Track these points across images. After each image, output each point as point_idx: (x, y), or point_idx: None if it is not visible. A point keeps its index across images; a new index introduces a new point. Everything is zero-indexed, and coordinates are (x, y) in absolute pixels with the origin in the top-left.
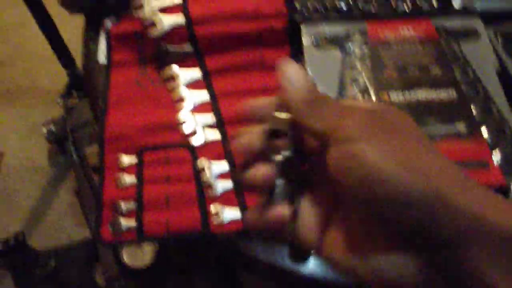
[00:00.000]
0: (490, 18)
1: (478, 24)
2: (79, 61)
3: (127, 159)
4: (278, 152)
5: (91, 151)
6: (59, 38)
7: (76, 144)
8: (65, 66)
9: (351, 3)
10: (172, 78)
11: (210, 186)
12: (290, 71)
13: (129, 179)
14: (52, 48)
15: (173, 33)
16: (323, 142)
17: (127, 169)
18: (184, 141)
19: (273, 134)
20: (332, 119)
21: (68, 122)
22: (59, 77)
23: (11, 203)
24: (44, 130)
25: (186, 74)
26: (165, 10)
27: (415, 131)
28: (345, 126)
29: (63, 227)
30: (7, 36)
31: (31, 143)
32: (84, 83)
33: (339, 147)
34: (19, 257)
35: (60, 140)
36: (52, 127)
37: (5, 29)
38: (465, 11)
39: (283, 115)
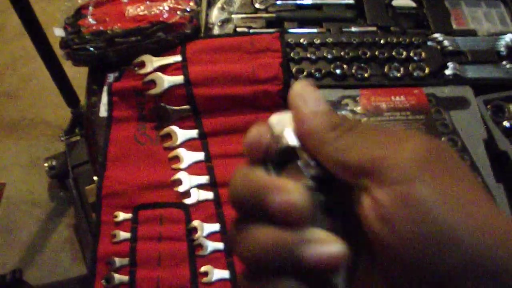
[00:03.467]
0: (480, 87)
1: (468, 92)
2: (83, 99)
3: (122, 216)
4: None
5: (91, 187)
6: (63, 76)
7: (77, 180)
8: (69, 104)
9: (345, 69)
10: (170, 136)
11: (200, 245)
12: (305, 89)
13: (123, 235)
14: (57, 85)
15: (172, 92)
16: (357, 181)
17: (122, 226)
18: (177, 200)
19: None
20: (376, 149)
21: (70, 159)
22: (64, 111)
23: (10, 235)
24: (46, 165)
25: (183, 133)
26: (165, 68)
27: (471, 175)
28: (398, 159)
29: (60, 261)
30: (14, 68)
31: (33, 176)
32: (85, 137)
33: (389, 189)
34: None
35: (61, 176)
36: (54, 163)
37: (12, 61)
38: (457, 79)
39: (291, 140)
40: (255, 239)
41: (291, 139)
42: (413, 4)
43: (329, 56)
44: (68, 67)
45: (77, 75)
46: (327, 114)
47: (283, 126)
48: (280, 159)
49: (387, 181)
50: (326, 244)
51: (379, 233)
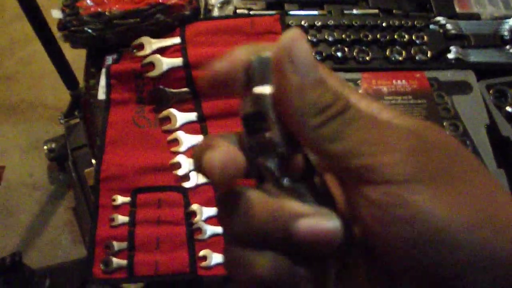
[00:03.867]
0: (482, 71)
1: (470, 77)
2: (82, 81)
3: (121, 199)
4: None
5: (90, 170)
6: (63, 59)
7: (76, 163)
8: (68, 86)
9: (346, 52)
10: (169, 119)
11: (199, 229)
12: (296, 44)
13: (122, 219)
14: (56, 68)
15: (171, 75)
16: (344, 176)
17: (120, 209)
18: (176, 184)
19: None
20: (366, 143)
21: (69, 142)
22: (63, 93)
23: (9, 218)
24: (45, 148)
25: (182, 116)
26: (164, 50)
27: (473, 160)
28: (391, 157)
29: (60, 243)
30: (13, 51)
31: (32, 159)
32: (83, 119)
33: (382, 188)
34: (15, 276)
35: (60, 159)
36: (53, 146)
37: (11, 43)
38: (459, 64)
39: (265, 90)
40: (249, 210)
41: (265, 105)
42: None
43: (330, 39)
44: (67, 49)
45: (77, 58)
46: (316, 88)
47: (264, 80)
48: (248, 121)
49: (379, 179)
50: (322, 218)
51: (372, 231)
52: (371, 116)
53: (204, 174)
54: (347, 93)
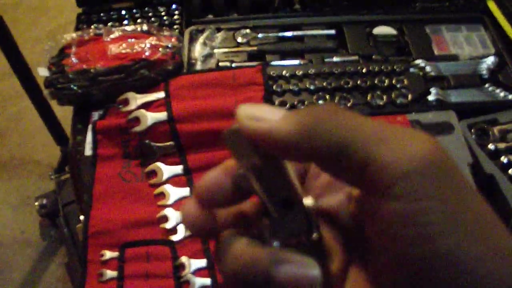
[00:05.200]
0: (463, 111)
1: (452, 117)
2: None
3: (109, 254)
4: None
5: (81, 226)
6: (52, 115)
7: (68, 218)
8: (58, 142)
9: (328, 99)
10: (155, 173)
11: (188, 282)
12: (251, 109)
13: (110, 274)
14: (45, 124)
15: (156, 129)
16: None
17: (108, 264)
18: (164, 237)
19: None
20: (380, 154)
21: (60, 197)
22: (54, 149)
23: (1, 275)
24: (37, 204)
25: (168, 169)
26: (149, 105)
27: (473, 186)
28: (403, 171)
29: None
30: (4, 107)
31: (24, 215)
32: (71, 175)
33: (395, 203)
34: None
35: (52, 215)
36: (44, 202)
37: (2, 100)
38: (440, 105)
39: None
40: (235, 253)
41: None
42: (394, 32)
43: (311, 87)
44: (56, 105)
45: (66, 114)
46: (285, 120)
47: (239, 151)
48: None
49: (392, 194)
50: (301, 266)
51: (381, 246)
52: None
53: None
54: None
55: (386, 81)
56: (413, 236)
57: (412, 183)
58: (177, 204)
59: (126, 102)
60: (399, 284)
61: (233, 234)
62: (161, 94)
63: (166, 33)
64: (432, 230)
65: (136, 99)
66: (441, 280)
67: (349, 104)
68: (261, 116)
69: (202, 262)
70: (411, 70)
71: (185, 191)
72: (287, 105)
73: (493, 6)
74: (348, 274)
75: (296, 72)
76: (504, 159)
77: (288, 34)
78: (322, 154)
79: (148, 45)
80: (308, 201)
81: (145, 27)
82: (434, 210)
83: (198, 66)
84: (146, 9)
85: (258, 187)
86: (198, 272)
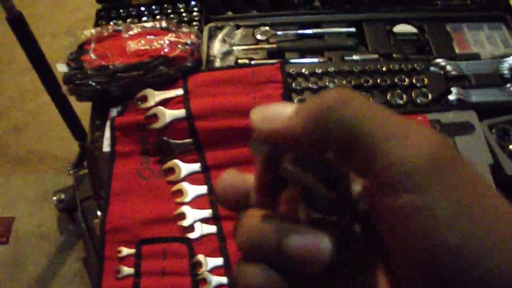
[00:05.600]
0: (484, 111)
1: (473, 117)
2: None
3: (126, 251)
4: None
5: (99, 221)
6: (70, 110)
7: (85, 213)
8: (76, 137)
9: None
10: (173, 170)
11: (204, 280)
12: (266, 110)
13: (127, 270)
14: (64, 120)
15: (174, 126)
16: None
17: (125, 261)
18: (181, 235)
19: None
20: (389, 147)
21: (78, 192)
22: (72, 144)
23: (19, 269)
24: (55, 199)
25: (186, 167)
26: (167, 102)
27: (483, 184)
28: (411, 164)
29: None
30: (23, 103)
31: (42, 210)
32: (89, 171)
33: (404, 196)
34: None
35: (70, 209)
36: (62, 196)
37: (21, 95)
38: (461, 104)
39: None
40: (249, 223)
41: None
42: (415, 30)
43: (331, 85)
44: (75, 101)
45: (85, 109)
46: (296, 116)
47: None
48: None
49: (399, 189)
50: (311, 238)
51: (390, 239)
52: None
53: None
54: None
55: (406, 80)
56: (420, 231)
57: (419, 178)
58: (194, 202)
59: (144, 98)
60: (413, 284)
61: (253, 209)
62: (179, 91)
63: (185, 29)
64: (439, 224)
65: (155, 96)
66: (450, 273)
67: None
68: (272, 115)
69: (218, 261)
70: (432, 69)
71: (202, 189)
72: None
73: None
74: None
75: (316, 70)
76: None
77: (308, 31)
78: (333, 146)
79: (167, 42)
80: (355, 186)
81: (164, 24)
82: (440, 204)
83: (217, 63)
84: (165, 5)
85: (297, 173)
86: (214, 270)
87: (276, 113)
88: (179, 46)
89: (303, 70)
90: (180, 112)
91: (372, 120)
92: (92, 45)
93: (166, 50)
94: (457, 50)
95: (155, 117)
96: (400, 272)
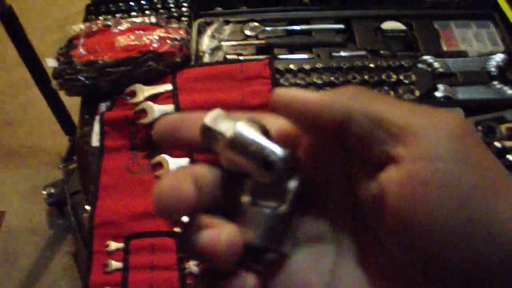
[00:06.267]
0: (471, 108)
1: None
2: None
3: (114, 245)
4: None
5: (88, 216)
6: (60, 104)
7: (75, 208)
8: (66, 132)
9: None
10: (161, 165)
11: (192, 274)
12: (288, 92)
13: (115, 265)
14: (54, 114)
15: None
16: (387, 150)
17: (114, 255)
18: (169, 229)
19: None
20: (413, 118)
21: (67, 186)
22: (63, 138)
23: (9, 262)
24: (44, 193)
25: (174, 162)
26: (156, 97)
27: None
28: (435, 133)
29: None
30: (13, 96)
31: (32, 204)
32: (78, 166)
33: (426, 163)
34: None
35: (59, 204)
36: (52, 191)
37: (12, 89)
38: (448, 102)
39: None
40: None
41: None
42: (403, 27)
43: (319, 82)
44: (65, 95)
45: (75, 103)
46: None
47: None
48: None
49: (423, 154)
50: (209, 230)
51: (404, 211)
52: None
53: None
54: None
55: (394, 76)
56: (448, 198)
57: (445, 147)
58: None
59: (133, 94)
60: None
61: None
62: (168, 86)
63: (174, 25)
64: (468, 192)
65: (144, 91)
66: (477, 245)
67: None
68: (301, 96)
69: None
70: (419, 66)
71: None
72: None
73: (503, 3)
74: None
75: (304, 66)
76: (510, 157)
77: (297, 28)
78: (356, 123)
79: (156, 37)
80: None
81: (153, 19)
82: (466, 174)
83: (206, 59)
84: (155, 1)
85: (234, 156)
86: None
87: (304, 95)
88: (168, 41)
89: (291, 66)
90: (169, 108)
91: (397, 103)
92: (82, 40)
93: (155, 45)
94: (444, 48)
95: (144, 112)
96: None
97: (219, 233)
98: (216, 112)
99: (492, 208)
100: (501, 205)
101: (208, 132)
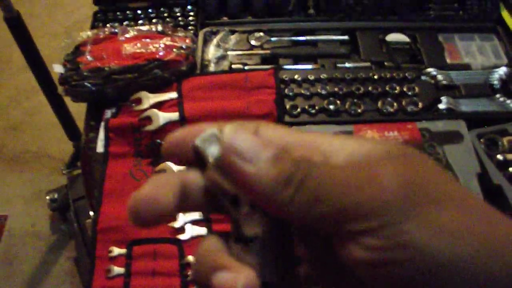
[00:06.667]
0: (473, 121)
1: (462, 127)
2: None
3: (117, 251)
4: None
5: (90, 221)
6: (65, 110)
7: (77, 213)
8: (70, 138)
9: (339, 104)
10: (165, 172)
11: (194, 281)
12: (236, 138)
13: (117, 270)
14: (59, 120)
15: (167, 129)
16: (336, 230)
17: (116, 261)
18: (172, 236)
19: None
20: (351, 195)
21: (71, 192)
22: (67, 144)
23: (11, 267)
24: (48, 198)
25: (178, 169)
26: (161, 105)
27: (454, 180)
28: (380, 200)
29: None
30: (19, 102)
31: (35, 209)
32: (82, 171)
33: (380, 233)
34: None
35: (62, 209)
36: (55, 196)
37: (17, 94)
38: (450, 114)
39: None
40: (199, 258)
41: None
42: (407, 39)
43: (323, 92)
44: (70, 101)
45: (80, 109)
46: (272, 165)
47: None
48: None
49: (375, 225)
50: (237, 275)
51: (374, 279)
52: (343, 162)
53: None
54: (308, 148)
55: (398, 88)
56: (408, 259)
57: (390, 208)
58: None
59: (139, 101)
60: None
61: (210, 235)
62: (173, 94)
63: (180, 33)
64: (423, 249)
65: (149, 99)
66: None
67: (359, 110)
68: (247, 153)
69: None
70: (423, 78)
71: None
72: (298, 109)
73: (507, 16)
74: None
75: (308, 77)
76: None
77: (302, 38)
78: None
79: (162, 46)
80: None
81: (160, 27)
82: (419, 229)
83: (211, 68)
84: (162, 9)
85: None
86: None
87: (252, 153)
88: (174, 50)
89: (296, 77)
90: (174, 115)
91: (335, 177)
92: (88, 47)
93: (161, 53)
94: (448, 60)
95: (149, 119)
96: None
97: (236, 276)
98: (210, 132)
99: (448, 254)
100: (457, 248)
101: (198, 152)
